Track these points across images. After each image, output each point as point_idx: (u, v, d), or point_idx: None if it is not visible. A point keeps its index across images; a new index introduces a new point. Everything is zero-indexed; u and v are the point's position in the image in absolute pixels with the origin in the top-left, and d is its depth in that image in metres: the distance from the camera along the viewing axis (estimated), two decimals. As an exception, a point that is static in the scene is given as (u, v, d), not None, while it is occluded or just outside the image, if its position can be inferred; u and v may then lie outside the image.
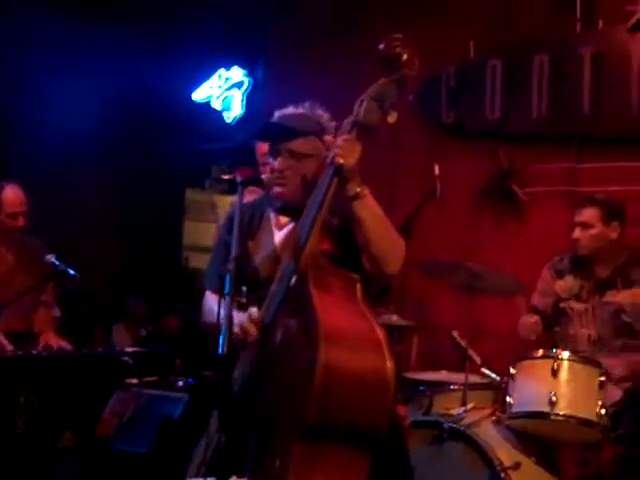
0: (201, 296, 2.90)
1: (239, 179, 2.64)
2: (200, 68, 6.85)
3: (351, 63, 5.54)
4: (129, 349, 4.63)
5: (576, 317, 4.03)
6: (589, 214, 3.97)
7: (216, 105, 6.99)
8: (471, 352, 4.02)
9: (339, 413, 2.36)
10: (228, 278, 2.36)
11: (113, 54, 6.24)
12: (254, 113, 6.69)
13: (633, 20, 4.54)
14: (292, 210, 2.75)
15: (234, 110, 6.97)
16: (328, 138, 2.69)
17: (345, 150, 2.51)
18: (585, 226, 3.97)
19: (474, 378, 3.92)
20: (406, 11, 5.31)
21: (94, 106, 6.35)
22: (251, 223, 2.80)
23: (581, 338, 3.99)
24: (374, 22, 5.49)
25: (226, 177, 2.77)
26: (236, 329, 2.52)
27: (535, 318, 3.99)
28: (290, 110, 2.79)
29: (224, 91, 6.99)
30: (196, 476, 2.54)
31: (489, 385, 3.94)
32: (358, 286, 2.56)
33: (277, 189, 2.74)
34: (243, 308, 2.57)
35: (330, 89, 5.18)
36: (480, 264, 4.05)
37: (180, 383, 4.74)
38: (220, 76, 6.99)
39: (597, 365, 3.55)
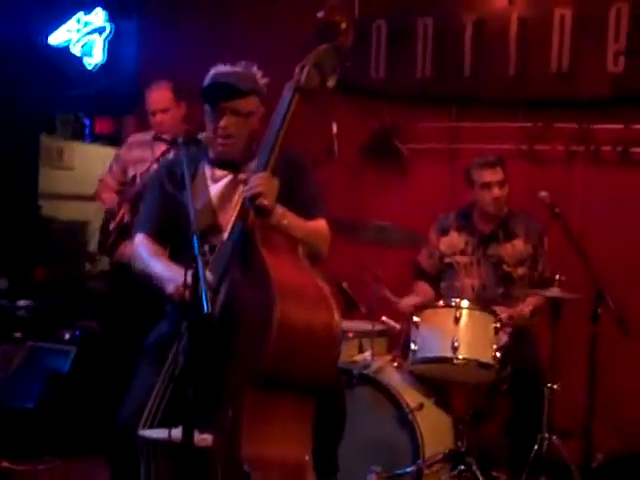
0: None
1: (180, 140, 2.71)
2: (57, 11, 6.54)
3: (221, 18, 5.50)
4: (23, 302, 4.51)
5: (462, 269, 4.29)
6: (499, 172, 4.15)
7: (75, 50, 6.74)
8: (359, 302, 4.20)
9: (293, 365, 2.47)
10: (195, 239, 2.41)
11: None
12: (116, 61, 6.50)
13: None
14: (229, 164, 2.86)
15: (95, 56, 6.75)
16: None
17: (266, 189, 2.60)
18: (502, 184, 4.19)
19: (366, 325, 4.08)
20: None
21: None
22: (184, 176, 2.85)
23: (466, 288, 4.25)
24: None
25: (167, 138, 2.82)
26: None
27: (415, 300, 4.11)
28: (228, 69, 2.87)
29: (83, 35, 6.73)
30: (150, 427, 2.59)
31: (385, 332, 4.17)
32: (300, 244, 2.70)
33: (222, 145, 2.83)
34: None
35: (198, 41, 5.17)
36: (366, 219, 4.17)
37: (67, 335, 4.68)
38: (79, 19, 6.72)
39: (492, 312, 3.85)
